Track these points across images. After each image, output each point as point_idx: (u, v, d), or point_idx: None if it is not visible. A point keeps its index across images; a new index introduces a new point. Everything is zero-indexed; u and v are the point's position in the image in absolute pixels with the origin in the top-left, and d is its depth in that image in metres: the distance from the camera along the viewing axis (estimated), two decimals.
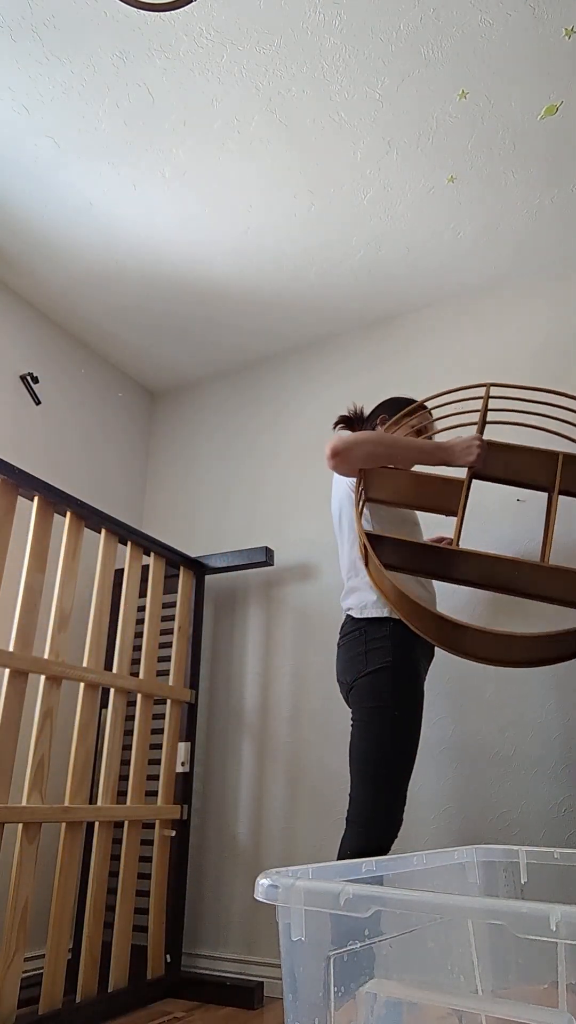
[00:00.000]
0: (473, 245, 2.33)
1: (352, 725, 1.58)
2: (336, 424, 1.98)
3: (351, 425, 1.97)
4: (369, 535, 1.59)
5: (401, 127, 1.91)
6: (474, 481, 1.69)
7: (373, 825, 1.47)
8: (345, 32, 1.67)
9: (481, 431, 1.71)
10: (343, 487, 1.79)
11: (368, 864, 0.99)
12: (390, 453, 1.62)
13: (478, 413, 1.79)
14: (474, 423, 1.79)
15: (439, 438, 1.92)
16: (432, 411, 1.93)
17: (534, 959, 0.98)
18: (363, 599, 1.65)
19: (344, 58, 1.73)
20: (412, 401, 1.93)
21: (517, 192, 2.11)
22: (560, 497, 1.72)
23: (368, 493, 1.69)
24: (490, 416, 2.06)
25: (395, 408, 1.91)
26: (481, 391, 2.01)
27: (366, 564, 1.62)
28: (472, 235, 2.28)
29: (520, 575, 1.55)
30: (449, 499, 1.65)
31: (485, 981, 1.03)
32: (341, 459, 1.61)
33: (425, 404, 1.91)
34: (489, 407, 1.84)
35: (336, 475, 1.81)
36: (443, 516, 1.76)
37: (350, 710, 1.68)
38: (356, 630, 1.63)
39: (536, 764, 1.94)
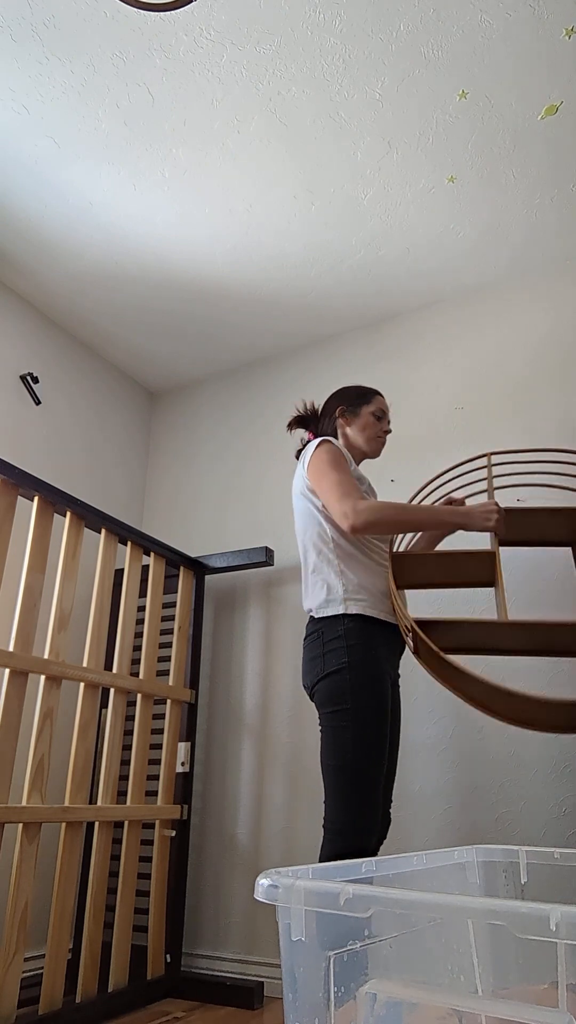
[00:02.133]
0: (473, 245, 2.33)
1: (320, 730, 1.54)
2: (290, 425, 1.92)
3: (306, 424, 1.91)
4: (419, 622, 1.50)
5: (401, 127, 1.91)
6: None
7: (346, 832, 1.43)
8: (345, 32, 1.67)
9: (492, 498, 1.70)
10: (299, 482, 1.74)
11: (368, 864, 0.99)
12: (406, 520, 1.59)
13: (485, 482, 1.78)
14: (483, 491, 1.81)
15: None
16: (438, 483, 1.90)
17: (534, 959, 0.98)
18: (317, 597, 1.61)
19: (344, 58, 1.73)
20: (367, 389, 1.88)
21: (517, 192, 2.11)
22: None
23: (398, 581, 1.64)
24: (498, 482, 2.09)
25: (351, 398, 1.86)
26: (483, 461, 1.99)
27: (416, 652, 1.52)
28: (472, 235, 2.28)
29: None
30: (479, 571, 1.64)
31: (485, 981, 1.03)
32: (362, 533, 1.57)
33: (379, 392, 1.89)
34: (494, 474, 1.84)
35: (298, 470, 1.77)
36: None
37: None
38: (315, 631, 1.59)
39: (536, 764, 1.94)
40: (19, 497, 1.89)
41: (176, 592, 2.49)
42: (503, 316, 2.46)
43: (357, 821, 1.43)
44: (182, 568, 2.45)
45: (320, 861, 1.44)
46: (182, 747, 2.28)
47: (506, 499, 2.15)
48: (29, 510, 2.32)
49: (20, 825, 1.67)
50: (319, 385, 2.77)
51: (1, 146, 1.97)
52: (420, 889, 0.86)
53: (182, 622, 2.37)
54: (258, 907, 2.20)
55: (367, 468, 2.41)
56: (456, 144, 1.96)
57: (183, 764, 2.26)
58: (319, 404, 1.96)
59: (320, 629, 1.58)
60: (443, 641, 1.53)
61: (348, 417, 1.85)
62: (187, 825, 2.22)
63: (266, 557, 2.44)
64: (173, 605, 2.53)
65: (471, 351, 2.48)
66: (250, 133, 1.93)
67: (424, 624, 1.51)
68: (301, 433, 2.02)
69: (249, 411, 2.92)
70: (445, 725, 2.09)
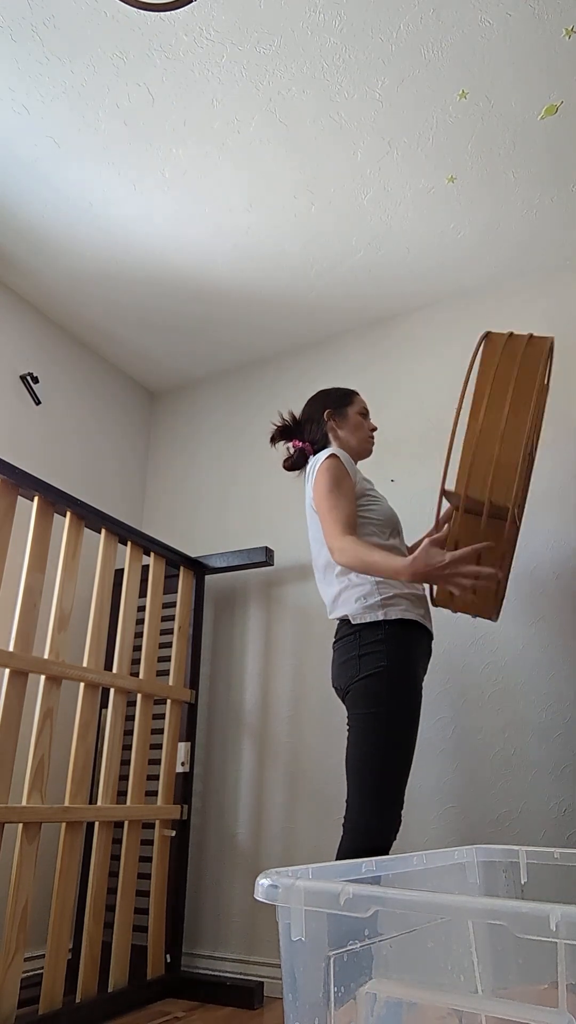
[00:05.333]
0: (473, 245, 2.33)
1: (348, 730, 1.57)
2: (273, 439, 1.91)
3: (290, 435, 1.90)
4: None
5: (401, 127, 1.91)
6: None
7: (369, 831, 1.45)
8: (345, 32, 1.67)
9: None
10: (310, 498, 1.75)
11: (368, 864, 0.99)
12: (370, 572, 1.53)
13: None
14: None
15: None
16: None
17: (534, 959, 0.98)
18: (352, 606, 1.61)
19: (344, 58, 1.73)
20: (347, 390, 1.90)
21: (517, 192, 2.11)
22: None
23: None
24: None
25: (335, 400, 1.87)
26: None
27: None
28: (472, 235, 2.28)
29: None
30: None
31: (485, 981, 1.03)
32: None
33: (356, 392, 1.92)
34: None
35: (307, 485, 1.77)
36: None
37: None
38: (351, 634, 1.60)
39: (536, 764, 1.94)
40: (19, 497, 1.89)
41: (176, 592, 2.49)
42: (503, 316, 2.46)
43: (381, 821, 1.46)
44: (182, 568, 2.45)
45: (339, 859, 1.45)
46: (182, 747, 2.28)
47: None
48: (29, 510, 2.32)
49: (20, 825, 1.67)
50: (319, 385, 2.77)
51: (1, 146, 1.97)
52: (420, 889, 0.86)
53: (182, 622, 2.37)
54: (258, 907, 2.20)
55: (369, 470, 2.41)
56: (456, 144, 1.96)
57: (183, 764, 2.26)
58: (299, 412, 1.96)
59: (357, 631, 1.59)
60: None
61: (337, 420, 1.86)
62: (187, 825, 2.22)
63: (266, 557, 2.44)
64: (173, 605, 2.53)
65: (470, 351, 2.48)
66: (250, 133, 1.93)
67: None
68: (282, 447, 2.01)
69: (249, 411, 2.92)
70: (445, 725, 2.09)
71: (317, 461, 1.73)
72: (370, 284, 2.52)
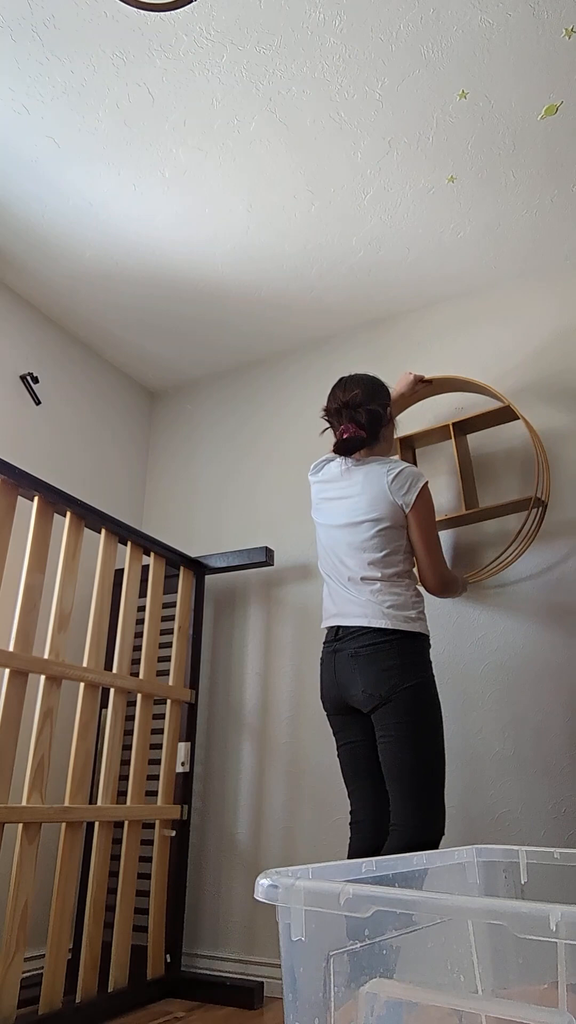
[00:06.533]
0: (473, 245, 2.33)
1: (384, 739, 1.58)
2: (339, 414, 1.76)
3: (350, 420, 1.75)
4: None
5: (401, 127, 1.91)
6: None
7: (426, 827, 1.53)
8: (345, 32, 1.67)
9: None
10: (385, 496, 1.67)
11: (368, 864, 0.99)
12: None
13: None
14: None
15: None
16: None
17: (534, 959, 0.98)
18: (386, 613, 1.62)
19: (344, 58, 1.73)
20: (376, 379, 1.81)
21: (517, 192, 2.11)
22: None
23: None
24: None
25: (390, 397, 1.82)
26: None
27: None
28: (472, 235, 2.28)
29: None
30: None
31: (485, 981, 1.03)
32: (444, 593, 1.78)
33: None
34: None
35: (388, 481, 1.69)
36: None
37: (342, 721, 1.69)
38: (386, 641, 1.60)
39: (536, 764, 1.94)
40: (19, 497, 1.89)
41: (176, 592, 2.49)
42: (503, 316, 2.46)
43: (439, 816, 1.56)
44: (182, 568, 2.45)
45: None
46: (182, 747, 2.28)
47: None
48: (29, 510, 2.32)
49: (20, 825, 1.67)
50: (319, 385, 2.77)
51: (1, 146, 1.97)
52: (420, 889, 0.86)
53: (182, 622, 2.37)
54: (258, 907, 2.20)
55: None
56: (456, 144, 1.96)
57: (183, 764, 2.26)
58: (323, 401, 1.92)
59: (392, 640, 1.61)
60: None
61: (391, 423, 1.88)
62: (187, 825, 2.22)
63: (266, 557, 2.44)
64: (173, 605, 2.53)
65: (471, 351, 2.48)
66: (250, 133, 1.93)
67: None
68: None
69: (249, 410, 2.92)
70: (445, 725, 2.09)
71: (417, 479, 1.70)
72: (370, 284, 2.52)
